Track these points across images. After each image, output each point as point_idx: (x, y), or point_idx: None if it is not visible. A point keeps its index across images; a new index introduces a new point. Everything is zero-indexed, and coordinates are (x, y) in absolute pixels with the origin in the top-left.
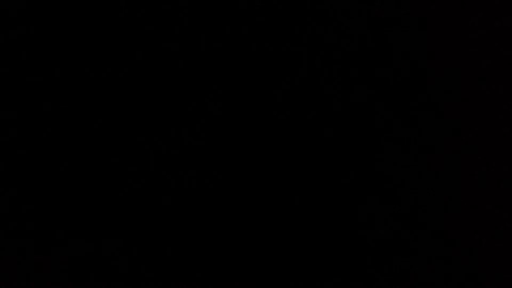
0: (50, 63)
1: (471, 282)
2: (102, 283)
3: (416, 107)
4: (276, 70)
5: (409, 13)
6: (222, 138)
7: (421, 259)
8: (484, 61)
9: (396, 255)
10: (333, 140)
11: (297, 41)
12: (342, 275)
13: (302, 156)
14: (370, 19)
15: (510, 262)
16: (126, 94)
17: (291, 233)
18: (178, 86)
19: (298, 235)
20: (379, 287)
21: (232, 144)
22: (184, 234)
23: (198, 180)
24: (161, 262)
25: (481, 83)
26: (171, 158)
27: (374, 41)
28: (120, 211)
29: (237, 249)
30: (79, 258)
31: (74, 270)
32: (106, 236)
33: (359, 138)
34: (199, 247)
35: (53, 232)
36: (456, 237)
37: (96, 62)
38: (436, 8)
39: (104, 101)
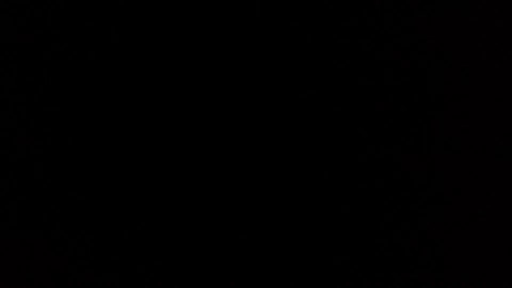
0: (50, 63)
1: (471, 282)
2: (102, 283)
3: (416, 107)
4: (275, 70)
5: (409, 13)
6: (222, 138)
7: (420, 259)
8: (484, 61)
9: (396, 257)
10: (333, 140)
11: (297, 41)
12: (342, 275)
13: (302, 156)
14: (370, 19)
15: (510, 262)
16: (126, 94)
17: (291, 233)
18: (178, 86)
19: (298, 236)
20: (379, 287)
21: (232, 145)
22: (184, 234)
23: (198, 180)
24: (161, 262)
25: (481, 83)
26: (171, 158)
27: (374, 41)
28: (120, 211)
29: (238, 250)
30: (79, 258)
31: (74, 270)
32: (106, 236)
33: (359, 138)
34: (199, 247)
35: (53, 232)
36: (455, 237)
37: (96, 62)
38: (436, 8)
39: (104, 101)
